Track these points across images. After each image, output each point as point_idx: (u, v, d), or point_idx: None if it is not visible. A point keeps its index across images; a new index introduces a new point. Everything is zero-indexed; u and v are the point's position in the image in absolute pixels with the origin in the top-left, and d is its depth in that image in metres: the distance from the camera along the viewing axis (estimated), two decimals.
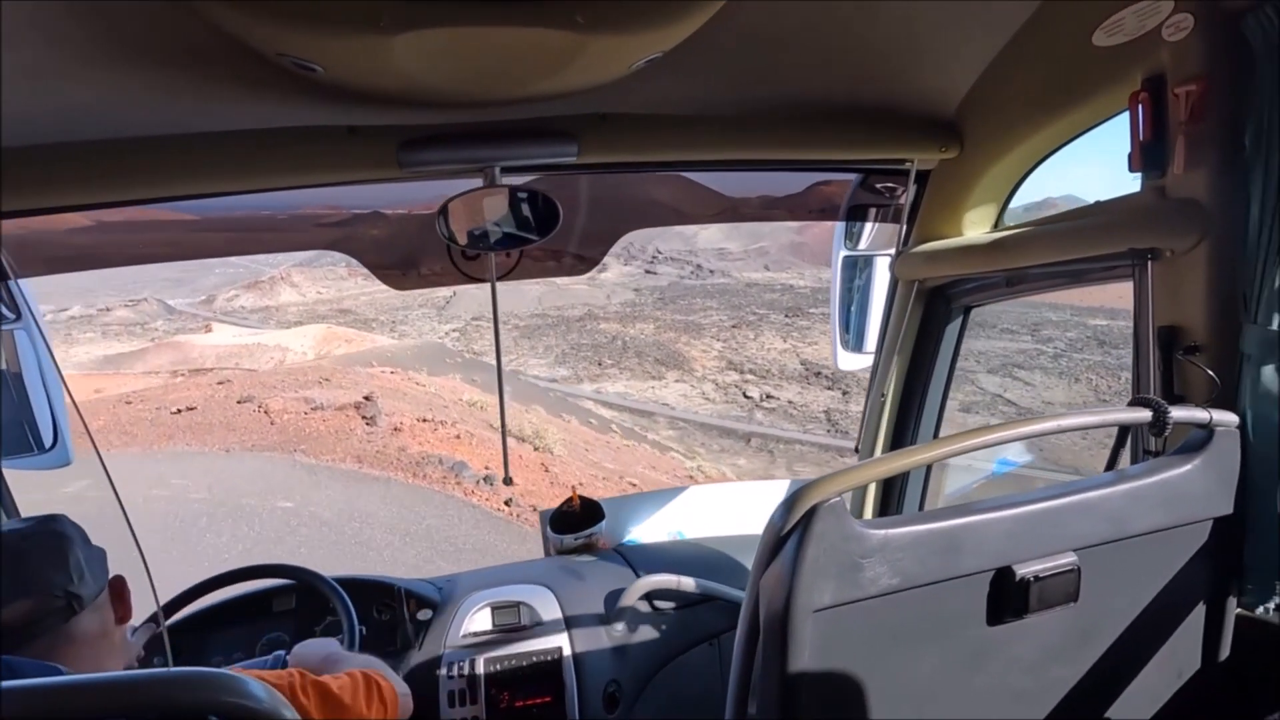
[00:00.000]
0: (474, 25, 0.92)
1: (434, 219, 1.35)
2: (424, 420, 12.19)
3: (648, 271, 35.84)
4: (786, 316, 27.49)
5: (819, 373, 22.03)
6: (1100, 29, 1.08)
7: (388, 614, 1.61)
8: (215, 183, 1.22)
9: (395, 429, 11.52)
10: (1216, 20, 0.96)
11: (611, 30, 0.96)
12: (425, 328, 31.07)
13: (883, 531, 0.83)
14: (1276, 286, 0.96)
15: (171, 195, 1.25)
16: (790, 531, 0.81)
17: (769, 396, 21.33)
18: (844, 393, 20.39)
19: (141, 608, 1.10)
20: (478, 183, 1.35)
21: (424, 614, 1.63)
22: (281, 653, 1.31)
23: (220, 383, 14.93)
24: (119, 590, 1.02)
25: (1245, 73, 0.94)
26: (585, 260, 1.69)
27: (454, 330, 30.09)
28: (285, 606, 1.62)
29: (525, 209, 1.41)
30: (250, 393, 13.31)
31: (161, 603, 1.25)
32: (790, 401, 20.99)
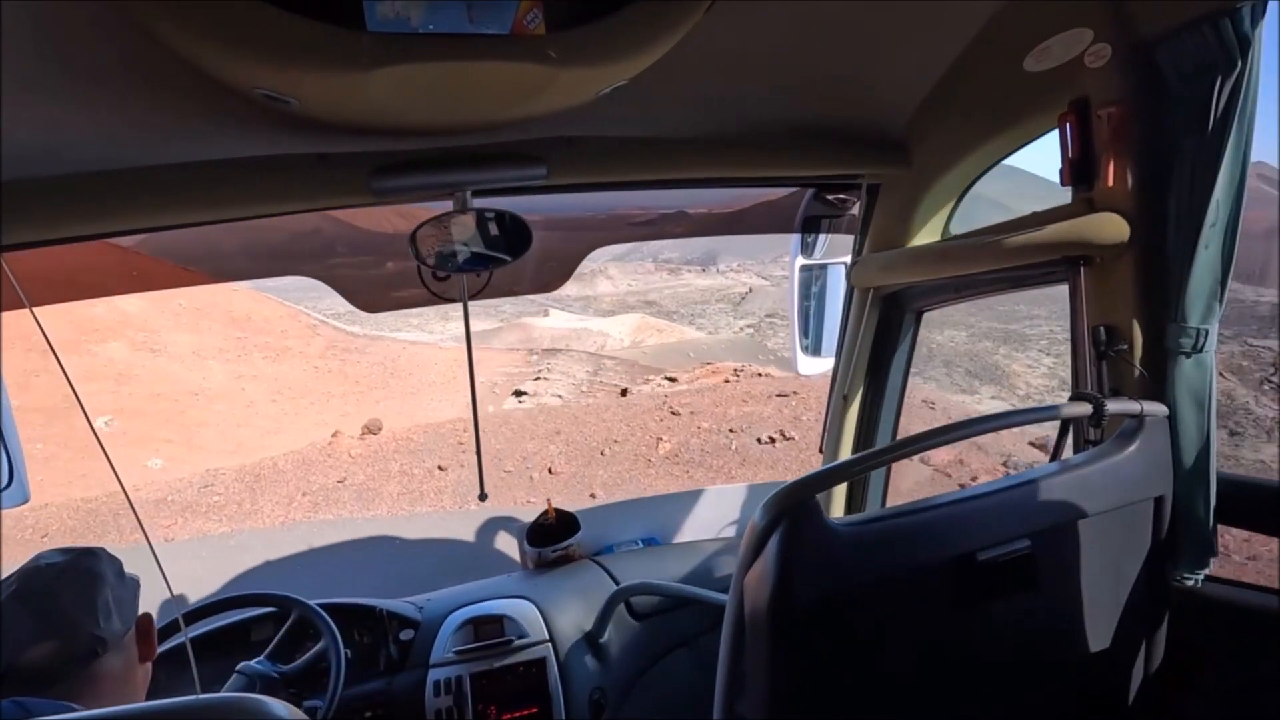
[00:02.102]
0: (451, 60, 0.95)
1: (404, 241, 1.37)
2: None
3: None
4: None
5: None
6: (1030, 55, 1.18)
7: (369, 636, 1.61)
8: (182, 214, 1.21)
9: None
10: (1132, 50, 1.06)
11: (581, 62, 1.00)
12: (721, 322, 32.43)
13: (857, 529, 0.89)
14: (1194, 288, 1.07)
15: (135, 228, 1.23)
16: (771, 532, 0.86)
17: None
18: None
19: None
20: (448, 205, 1.38)
21: (406, 634, 1.63)
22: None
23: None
24: (146, 629, 1.01)
25: (1160, 96, 1.04)
26: (554, 278, 1.72)
27: (748, 325, 30.96)
28: (263, 635, 1.60)
29: (496, 230, 1.44)
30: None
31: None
32: None
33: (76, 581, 0.92)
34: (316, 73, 0.91)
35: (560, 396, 14.79)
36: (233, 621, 1.60)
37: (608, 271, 41.12)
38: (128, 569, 1.02)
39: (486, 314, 30.46)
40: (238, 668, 1.43)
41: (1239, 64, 0.96)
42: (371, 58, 0.90)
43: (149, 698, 1.12)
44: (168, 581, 1.15)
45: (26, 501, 1.60)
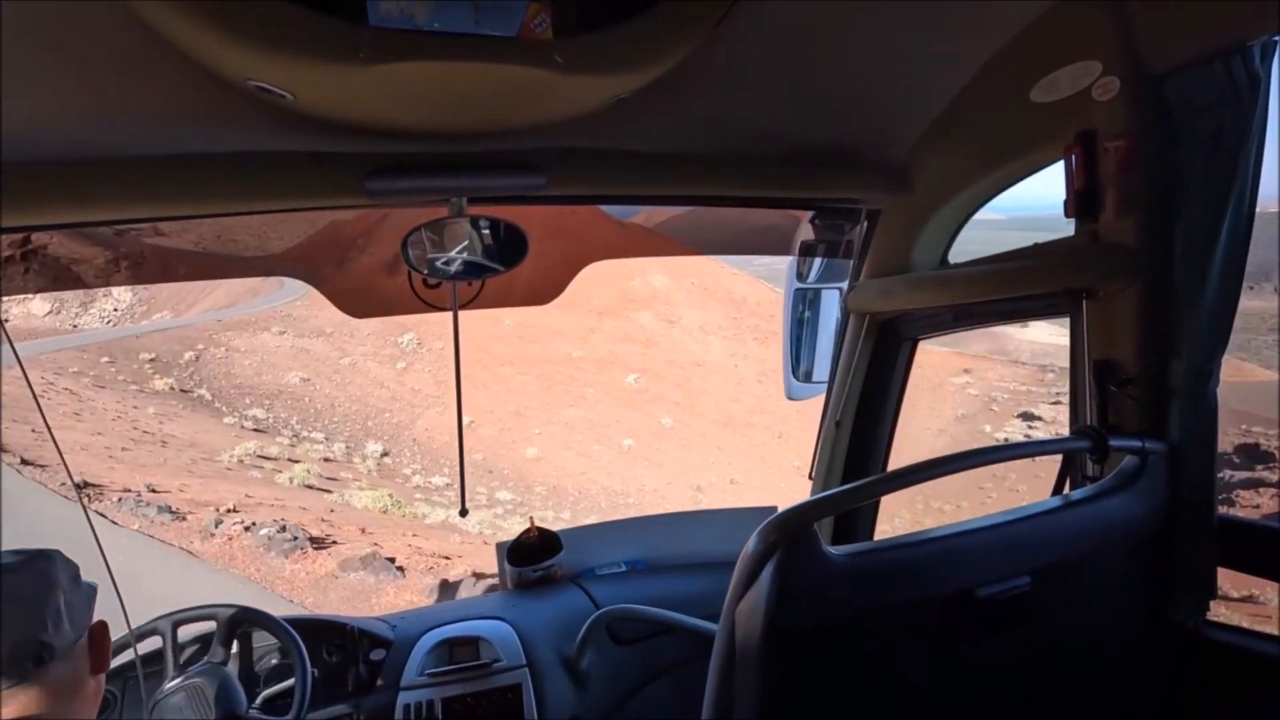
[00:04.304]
0: (453, 60, 0.92)
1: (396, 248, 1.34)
2: None
3: None
4: None
5: None
6: (1037, 87, 1.18)
7: (338, 655, 1.54)
8: (173, 207, 1.18)
9: None
10: (1140, 83, 1.05)
11: (587, 70, 0.98)
12: None
13: (855, 559, 0.86)
14: (1199, 324, 1.05)
15: (118, 219, 1.19)
16: (767, 559, 0.82)
17: None
18: None
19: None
20: (443, 212, 1.35)
21: (377, 654, 1.56)
22: None
23: None
24: (99, 638, 0.95)
25: (1167, 130, 1.04)
26: (548, 290, 1.70)
27: None
28: (223, 654, 1.53)
29: (491, 239, 1.41)
30: None
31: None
32: None
33: (24, 584, 0.86)
34: (314, 65, 0.89)
35: None
36: (189, 637, 1.52)
37: None
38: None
39: None
40: (185, 679, 1.36)
41: (1248, 100, 0.96)
42: (371, 53, 0.88)
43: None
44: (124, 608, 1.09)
45: None
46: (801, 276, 2.08)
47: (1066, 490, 1.14)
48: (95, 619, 0.96)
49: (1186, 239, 1.04)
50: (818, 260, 2.04)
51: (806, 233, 1.96)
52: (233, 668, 1.45)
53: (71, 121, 1.03)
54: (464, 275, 1.41)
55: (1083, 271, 1.17)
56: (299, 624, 1.49)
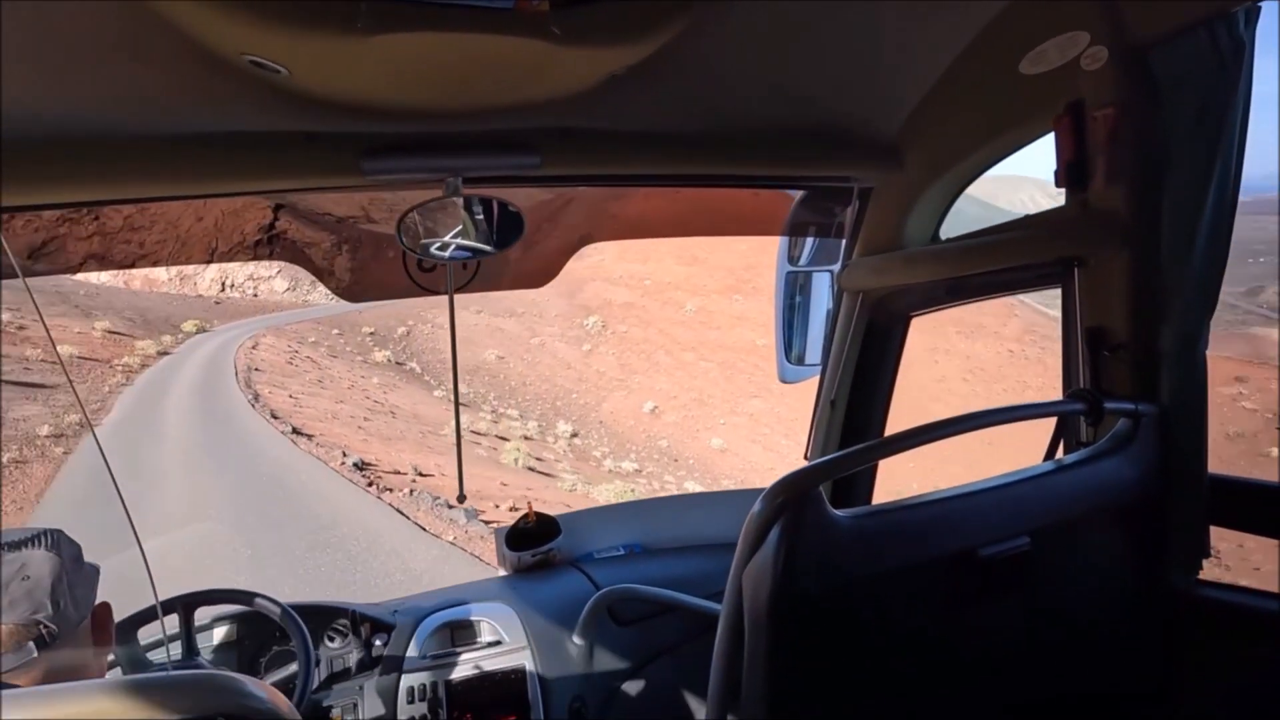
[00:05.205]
0: (450, 31, 0.92)
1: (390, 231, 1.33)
2: None
3: None
4: None
5: None
6: (1026, 59, 1.19)
7: (340, 640, 1.54)
8: (166, 187, 1.16)
9: None
10: (1127, 53, 1.07)
11: (583, 42, 0.98)
12: None
13: (860, 521, 0.87)
14: (1187, 289, 1.07)
15: (113, 199, 1.18)
16: (773, 521, 0.83)
17: None
18: None
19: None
20: (438, 193, 1.35)
21: (380, 638, 1.56)
22: None
23: None
24: (101, 619, 0.96)
25: (1155, 99, 1.05)
26: (544, 271, 1.69)
27: None
28: (227, 638, 1.53)
29: (485, 219, 1.40)
30: None
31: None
32: None
33: (26, 565, 0.86)
34: (310, 37, 0.88)
35: None
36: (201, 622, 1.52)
37: None
38: None
39: None
40: (193, 662, 1.36)
41: (1232, 67, 0.98)
42: (368, 24, 0.87)
43: None
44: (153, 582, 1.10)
45: None
46: (793, 259, 2.10)
47: (1060, 455, 1.16)
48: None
49: (1174, 206, 1.06)
50: (809, 242, 2.05)
51: (798, 213, 1.97)
52: (235, 653, 1.45)
53: (62, 101, 1.02)
54: (459, 256, 1.41)
55: (1073, 241, 1.18)
56: (302, 610, 1.48)
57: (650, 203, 1.85)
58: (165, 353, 22.02)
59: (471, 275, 1.55)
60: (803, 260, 2.09)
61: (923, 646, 0.94)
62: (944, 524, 0.92)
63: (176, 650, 1.39)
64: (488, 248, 1.43)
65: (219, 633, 1.54)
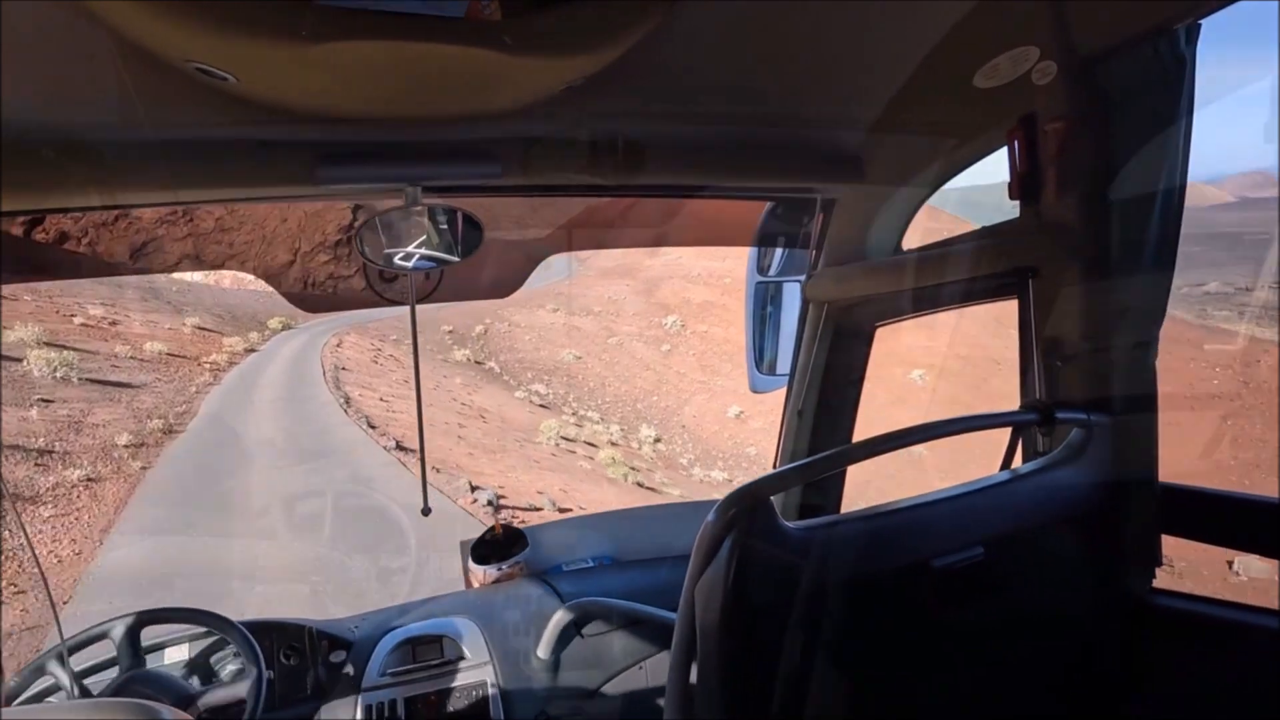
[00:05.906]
0: (398, 39, 0.91)
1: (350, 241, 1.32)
2: None
3: None
4: None
5: None
6: (980, 73, 1.20)
7: (296, 658, 1.50)
8: (115, 196, 1.14)
9: None
10: (1075, 67, 1.09)
11: (537, 52, 0.98)
12: None
13: (811, 532, 0.87)
14: (1136, 300, 1.09)
15: (64, 207, 1.15)
16: (725, 534, 0.82)
17: None
18: None
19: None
20: (398, 202, 1.33)
21: (337, 655, 1.53)
22: None
23: None
24: None
25: (1102, 113, 1.07)
26: (505, 283, 1.68)
27: None
28: (178, 657, 1.48)
29: (447, 229, 1.39)
30: None
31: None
32: None
33: None
34: (255, 44, 0.87)
35: None
36: (144, 644, 1.47)
37: None
38: None
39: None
40: (131, 675, 1.31)
41: (1175, 81, 1.00)
42: (315, 31, 0.86)
43: None
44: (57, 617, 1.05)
45: None
46: (762, 270, 2.10)
47: (1016, 465, 1.17)
48: None
49: (1122, 217, 1.08)
50: (778, 252, 2.06)
51: (766, 224, 1.98)
52: (184, 671, 1.41)
53: (5, 107, 0.99)
54: (421, 266, 1.40)
55: (1027, 252, 1.20)
56: (256, 627, 1.45)
57: (620, 212, 1.85)
58: (252, 349, 21.33)
59: (435, 285, 1.54)
60: (772, 270, 2.10)
61: (877, 657, 0.93)
62: (897, 535, 0.92)
63: (113, 673, 1.35)
64: (451, 257, 1.41)
65: (177, 652, 1.50)
